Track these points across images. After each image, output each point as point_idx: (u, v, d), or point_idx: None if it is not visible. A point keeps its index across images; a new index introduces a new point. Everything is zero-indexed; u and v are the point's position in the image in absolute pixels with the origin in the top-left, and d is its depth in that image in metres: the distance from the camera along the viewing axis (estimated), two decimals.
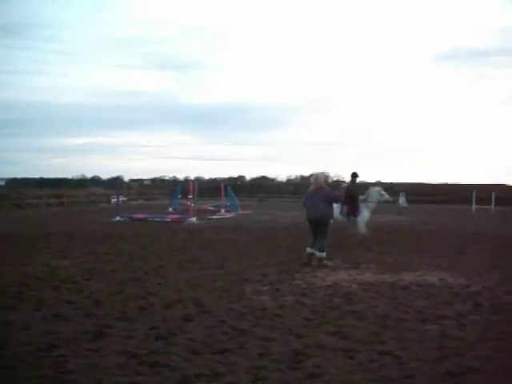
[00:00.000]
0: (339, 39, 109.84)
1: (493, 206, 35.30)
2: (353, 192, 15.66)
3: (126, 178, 65.95)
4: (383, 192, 16.52)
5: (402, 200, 43.45)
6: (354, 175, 16.30)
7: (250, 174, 73.08)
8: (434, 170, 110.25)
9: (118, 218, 22.42)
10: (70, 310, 6.87)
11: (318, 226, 10.82)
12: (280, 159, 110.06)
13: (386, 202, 17.20)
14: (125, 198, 30.31)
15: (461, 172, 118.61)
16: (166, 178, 77.82)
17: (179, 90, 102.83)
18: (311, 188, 11.02)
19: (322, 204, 10.67)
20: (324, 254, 10.70)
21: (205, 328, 6.07)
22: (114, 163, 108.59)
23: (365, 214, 15.95)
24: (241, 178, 74.97)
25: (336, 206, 14.30)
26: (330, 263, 10.74)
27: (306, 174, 63.67)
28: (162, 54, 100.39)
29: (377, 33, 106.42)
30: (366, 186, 17.42)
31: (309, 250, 10.84)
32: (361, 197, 16.09)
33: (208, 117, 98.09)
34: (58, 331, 5.90)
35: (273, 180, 71.44)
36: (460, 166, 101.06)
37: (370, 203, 16.12)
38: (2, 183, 60.83)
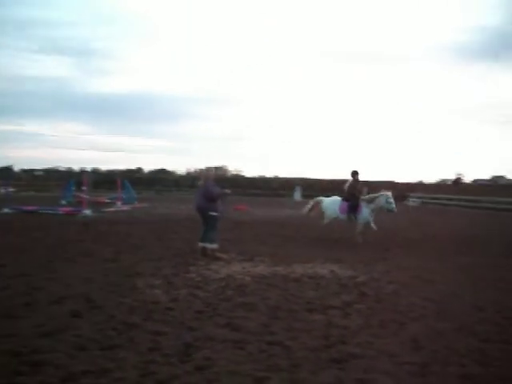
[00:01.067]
0: (242, 33, 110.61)
1: None
2: (353, 190, 14.96)
3: (17, 168, 62.69)
4: (391, 199, 14.47)
5: (296, 195, 44.70)
6: (355, 173, 15.24)
7: (148, 167, 71.98)
8: (330, 166, 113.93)
9: (6, 210, 21.30)
10: None
11: (205, 219, 11.06)
12: (180, 152, 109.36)
13: (389, 211, 14.66)
14: (13, 189, 28.77)
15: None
16: (61, 168, 74.86)
17: (76, 77, 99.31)
18: (200, 182, 11.39)
19: (204, 199, 11.06)
20: (214, 246, 10.86)
21: (94, 324, 5.90)
22: (5, 152, 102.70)
23: (365, 215, 14.72)
24: (139, 170, 73.73)
25: (331, 203, 15.53)
26: (224, 256, 10.82)
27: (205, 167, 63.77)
28: (59, 39, 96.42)
29: (275, 29, 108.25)
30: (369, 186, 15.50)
31: (200, 243, 10.95)
32: (365, 196, 14.98)
33: (106, 107, 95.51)
34: None
35: (172, 173, 70.83)
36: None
37: (372, 205, 14.74)
38: None
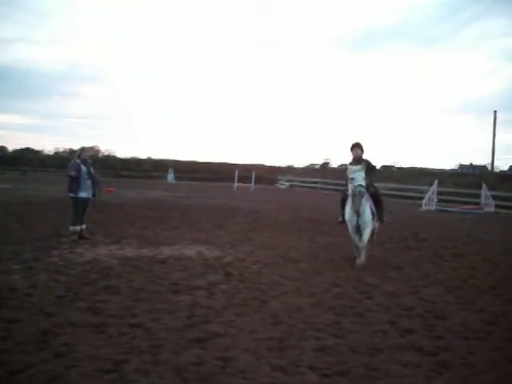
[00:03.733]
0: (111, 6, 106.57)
1: (253, 184, 38.06)
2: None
3: None
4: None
5: (170, 177, 44.40)
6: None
7: (13, 146, 67.47)
8: (203, 149, 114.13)
9: None
10: None
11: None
12: (48, 131, 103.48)
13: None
14: None
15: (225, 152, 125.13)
16: None
17: None
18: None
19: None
20: (71, 229, 10.59)
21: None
22: None
23: None
24: (2, 148, 68.97)
25: None
26: (90, 237, 10.56)
27: (76, 147, 61.27)
28: None
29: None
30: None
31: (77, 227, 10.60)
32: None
33: None
34: None
35: (39, 152, 67.05)
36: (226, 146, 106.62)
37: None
38: None
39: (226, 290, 7.00)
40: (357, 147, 9.45)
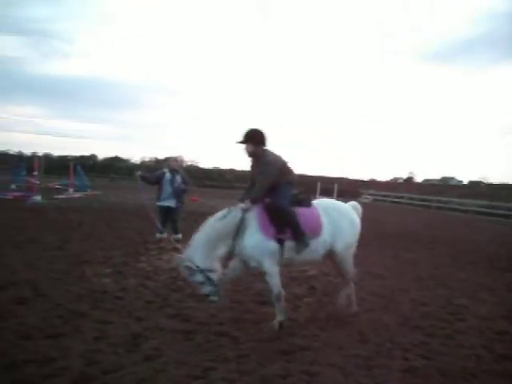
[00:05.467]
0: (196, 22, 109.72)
1: (335, 197, 37.70)
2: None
3: None
4: None
5: None
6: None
7: (102, 154, 70.60)
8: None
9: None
10: None
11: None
12: (135, 140, 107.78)
13: None
14: None
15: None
16: (11, 152, 72.66)
17: (29, 58, 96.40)
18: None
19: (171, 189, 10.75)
20: (157, 236, 10.75)
21: (39, 312, 5.78)
22: None
23: None
24: (93, 156, 72.33)
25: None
26: (176, 245, 10.74)
27: (161, 156, 63.18)
28: (10, 17, 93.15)
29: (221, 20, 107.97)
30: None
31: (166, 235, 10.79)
32: None
33: (60, 90, 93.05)
34: None
35: (126, 161, 69.74)
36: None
37: None
38: None
39: (311, 304, 6.94)
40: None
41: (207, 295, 5.57)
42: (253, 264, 5.74)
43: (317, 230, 5.97)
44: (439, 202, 37.74)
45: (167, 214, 10.73)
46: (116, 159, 68.65)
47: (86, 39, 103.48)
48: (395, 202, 41.30)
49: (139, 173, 10.60)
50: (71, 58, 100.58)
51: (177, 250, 10.29)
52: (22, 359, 4.43)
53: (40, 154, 59.20)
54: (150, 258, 9.50)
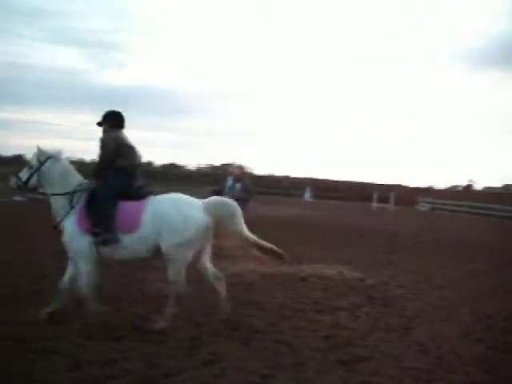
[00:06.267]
0: (254, 28, 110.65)
1: (392, 204, 37.10)
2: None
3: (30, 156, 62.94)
4: None
5: (307, 195, 44.66)
6: None
7: (159, 161, 71.88)
8: (340, 167, 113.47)
9: (18, 197, 21.46)
10: None
11: None
12: (190, 147, 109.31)
13: None
14: None
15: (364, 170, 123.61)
16: (72, 159, 75.14)
17: (87, 69, 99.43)
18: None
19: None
20: None
21: (101, 313, 5.93)
22: (17, 141, 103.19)
23: None
24: (150, 163, 73.79)
25: None
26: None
27: (217, 163, 63.84)
28: (70, 29, 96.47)
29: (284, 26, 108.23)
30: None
31: None
32: None
33: (116, 99, 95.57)
34: None
35: (182, 167, 70.80)
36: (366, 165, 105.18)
37: None
38: None
39: (369, 314, 6.84)
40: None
41: None
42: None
43: (132, 226, 5.47)
44: (502, 210, 36.41)
45: None
46: (172, 166, 69.81)
47: (142, 49, 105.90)
48: (454, 210, 40.17)
49: (210, 189, 10.81)
50: (128, 68, 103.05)
51: (234, 258, 10.38)
52: (86, 360, 4.57)
53: None
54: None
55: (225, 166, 11.30)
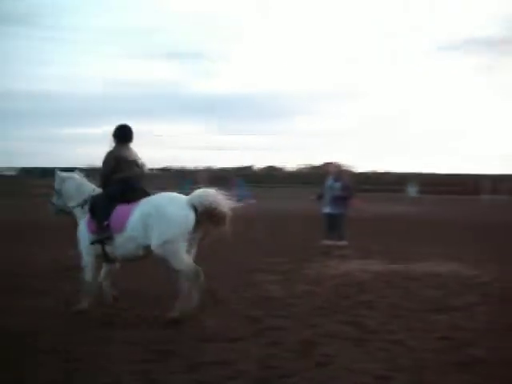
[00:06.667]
0: (347, 26, 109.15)
1: (505, 196, 35.16)
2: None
3: None
4: None
5: (411, 190, 43.35)
6: None
7: (259, 164, 72.84)
8: (444, 160, 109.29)
9: None
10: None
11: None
12: (289, 149, 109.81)
13: None
14: None
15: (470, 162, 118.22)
16: (175, 167, 77.76)
17: (187, 79, 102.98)
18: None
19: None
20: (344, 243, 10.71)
21: (217, 317, 6.12)
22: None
23: None
24: (250, 167, 74.91)
25: None
26: (347, 253, 10.70)
27: (317, 163, 63.53)
28: (168, 43, 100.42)
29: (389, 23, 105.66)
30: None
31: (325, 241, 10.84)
32: None
33: (217, 107, 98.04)
34: (67, 319, 6.01)
35: (282, 170, 71.23)
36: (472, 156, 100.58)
37: None
38: (13, 173, 61.43)
39: (486, 313, 6.52)
40: None
41: None
42: None
43: (121, 227, 5.92)
44: None
45: (330, 221, 10.78)
46: (272, 168, 70.43)
47: (235, 55, 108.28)
48: None
49: (313, 197, 11.24)
50: (224, 75, 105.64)
51: (343, 257, 10.33)
52: (203, 361, 4.70)
53: (201, 168, 62.73)
54: (316, 264, 9.61)
55: (325, 166, 11.24)
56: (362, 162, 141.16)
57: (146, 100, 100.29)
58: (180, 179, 35.76)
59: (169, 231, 5.75)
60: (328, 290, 7.53)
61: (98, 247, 6.15)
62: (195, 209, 5.85)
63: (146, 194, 6.30)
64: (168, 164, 76.87)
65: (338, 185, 10.68)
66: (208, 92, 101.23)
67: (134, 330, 5.65)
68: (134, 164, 6.43)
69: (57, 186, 6.70)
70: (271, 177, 58.79)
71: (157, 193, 6.40)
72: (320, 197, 11.05)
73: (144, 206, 5.98)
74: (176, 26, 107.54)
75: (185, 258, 5.84)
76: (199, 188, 6.32)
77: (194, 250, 6.12)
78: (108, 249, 6.12)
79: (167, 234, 5.76)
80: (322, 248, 10.77)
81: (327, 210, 10.77)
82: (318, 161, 65.35)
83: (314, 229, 13.14)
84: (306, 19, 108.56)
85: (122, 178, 6.27)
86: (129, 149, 6.52)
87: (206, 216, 5.88)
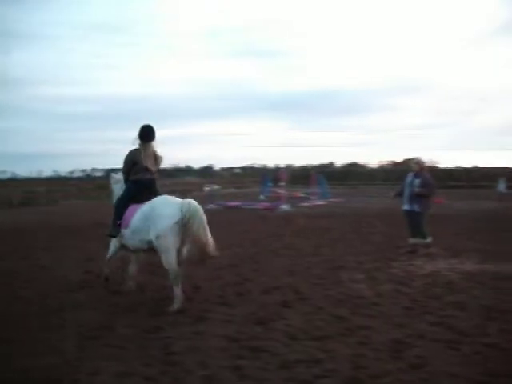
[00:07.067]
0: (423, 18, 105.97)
1: None
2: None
3: (217, 167, 67.27)
4: None
5: (501, 186, 41.39)
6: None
7: (340, 161, 72.24)
8: None
9: (211, 205, 22.97)
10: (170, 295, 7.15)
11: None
12: (370, 145, 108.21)
13: None
14: (218, 187, 30.83)
15: None
16: (256, 165, 78.68)
17: (267, 77, 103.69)
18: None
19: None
20: (428, 240, 10.41)
21: (303, 314, 6.13)
22: (204, 152, 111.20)
23: None
24: (331, 164, 74.46)
25: None
26: (434, 251, 10.37)
27: (399, 159, 62.10)
28: (245, 42, 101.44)
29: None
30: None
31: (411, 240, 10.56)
32: None
33: (296, 104, 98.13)
34: (163, 314, 6.19)
35: (364, 166, 70.24)
36: None
37: None
38: (101, 174, 64.55)
39: None
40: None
41: None
42: None
43: (127, 223, 6.82)
44: None
45: (409, 219, 10.51)
46: (354, 165, 69.61)
47: (313, 52, 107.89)
48: None
49: (392, 194, 11.12)
50: (301, 72, 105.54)
51: (430, 256, 10.02)
52: (294, 359, 4.73)
53: (282, 166, 62.97)
54: (402, 263, 9.39)
55: (407, 162, 10.90)
56: (446, 158, 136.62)
57: (225, 99, 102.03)
58: (262, 177, 36.06)
59: (160, 226, 6.46)
60: (415, 290, 7.33)
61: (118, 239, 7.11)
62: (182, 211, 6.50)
63: (155, 196, 6.97)
64: (248, 163, 77.82)
65: (417, 181, 10.35)
66: (286, 89, 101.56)
67: (226, 325, 5.76)
68: (145, 169, 7.07)
69: (112, 186, 7.87)
70: (353, 174, 57.92)
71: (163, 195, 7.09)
72: (399, 194, 10.77)
73: (145, 206, 6.74)
74: (253, 25, 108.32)
75: (173, 260, 6.50)
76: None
77: (185, 248, 6.82)
78: (122, 241, 7.04)
79: (158, 229, 6.46)
80: (408, 246, 10.51)
81: (406, 207, 10.49)
82: (400, 157, 63.92)
83: (399, 227, 12.87)
84: (384, 13, 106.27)
85: (135, 179, 7.08)
86: (148, 148, 7.16)
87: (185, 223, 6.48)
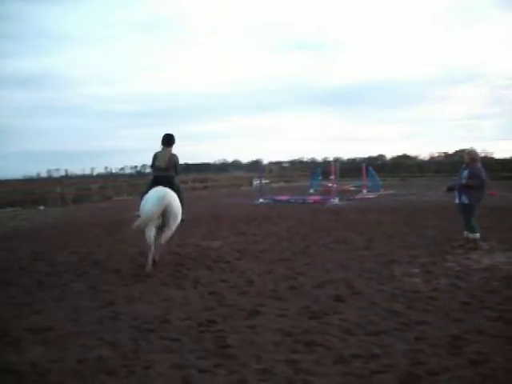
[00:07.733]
0: None
1: None
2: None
3: (266, 161, 67.30)
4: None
5: None
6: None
7: (390, 153, 71.10)
8: None
9: (261, 200, 23.00)
10: (224, 288, 7.21)
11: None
12: (420, 136, 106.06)
13: None
14: (267, 181, 30.82)
15: None
16: (305, 159, 78.35)
17: (315, 71, 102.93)
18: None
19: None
20: (477, 235, 10.06)
21: (357, 309, 6.06)
22: (253, 147, 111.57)
23: None
24: (381, 157, 73.39)
25: None
26: (485, 246, 10.06)
27: (451, 151, 60.55)
28: (295, 36, 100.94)
29: None
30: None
31: (465, 233, 10.27)
32: None
33: (344, 97, 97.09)
34: (216, 308, 6.23)
35: (414, 158, 68.90)
36: None
37: None
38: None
39: None
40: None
41: None
42: None
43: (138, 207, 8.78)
44: None
45: (461, 211, 10.22)
46: (404, 157, 68.35)
47: (356, 45, 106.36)
48: None
49: (444, 188, 10.80)
50: (349, 65, 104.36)
51: (487, 250, 9.72)
52: (349, 354, 4.68)
53: (331, 159, 62.47)
54: (458, 257, 9.16)
55: (460, 153, 10.53)
56: (501, 148, 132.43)
57: (273, 93, 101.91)
58: (312, 170, 35.92)
59: (145, 210, 8.40)
60: (472, 284, 7.13)
61: None
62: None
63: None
64: (299, 156, 77.59)
65: (465, 173, 10.03)
66: (335, 82, 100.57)
67: (279, 319, 5.76)
68: (157, 168, 9.12)
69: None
70: (403, 166, 56.77)
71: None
72: (451, 188, 10.48)
73: (147, 194, 8.62)
74: (301, 18, 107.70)
75: (150, 234, 8.45)
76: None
77: (165, 228, 8.59)
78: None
79: (147, 210, 8.34)
80: (463, 240, 10.23)
81: (457, 200, 10.20)
82: (452, 148, 62.35)
83: (453, 220, 12.57)
84: (436, 2, 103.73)
85: (152, 175, 9.32)
86: (166, 152, 9.22)
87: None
